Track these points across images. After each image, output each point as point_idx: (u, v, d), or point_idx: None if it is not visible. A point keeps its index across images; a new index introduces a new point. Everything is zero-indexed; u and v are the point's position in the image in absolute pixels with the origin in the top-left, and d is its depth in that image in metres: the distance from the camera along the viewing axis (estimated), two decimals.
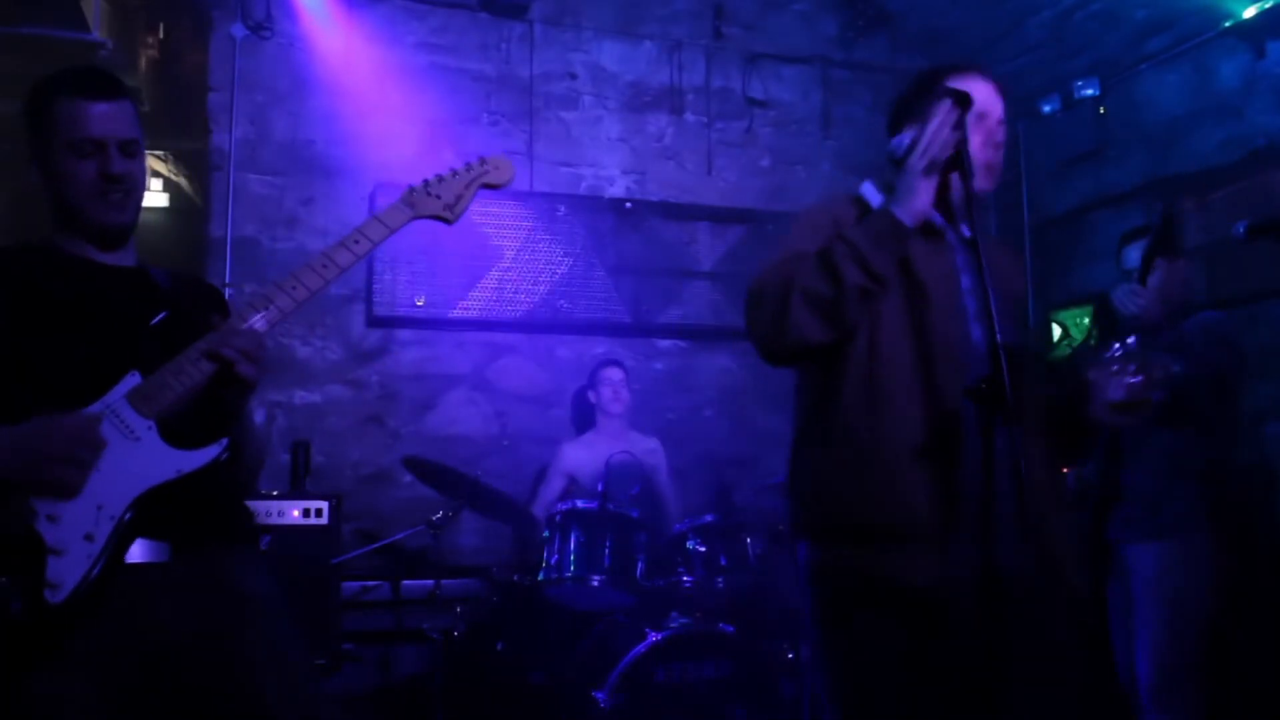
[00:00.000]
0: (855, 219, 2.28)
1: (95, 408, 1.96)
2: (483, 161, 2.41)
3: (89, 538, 1.87)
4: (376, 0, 5.59)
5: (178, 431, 2.01)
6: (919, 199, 2.16)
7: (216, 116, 5.32)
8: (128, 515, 1.92)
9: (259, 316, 2.15)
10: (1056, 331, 6.26)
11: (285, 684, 2.07)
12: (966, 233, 2.32)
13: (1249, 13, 5.17)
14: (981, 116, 2.30)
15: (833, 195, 2.57)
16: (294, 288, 2.26)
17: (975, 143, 2.28)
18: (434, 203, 2.29)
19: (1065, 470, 3.94)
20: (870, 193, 2.38)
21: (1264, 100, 5.20)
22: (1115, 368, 2.19)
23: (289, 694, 2.07)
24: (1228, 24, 5.30)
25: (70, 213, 2.15)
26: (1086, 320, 6.04)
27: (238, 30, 5.33)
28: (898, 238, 2.16)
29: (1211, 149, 5.47)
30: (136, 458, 1.95)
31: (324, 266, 2.28)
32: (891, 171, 2.29)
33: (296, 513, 4.38)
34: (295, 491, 4.61)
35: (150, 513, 1.95)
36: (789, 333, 2.13)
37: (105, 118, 2.12)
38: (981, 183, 2.29)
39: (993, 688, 1.99)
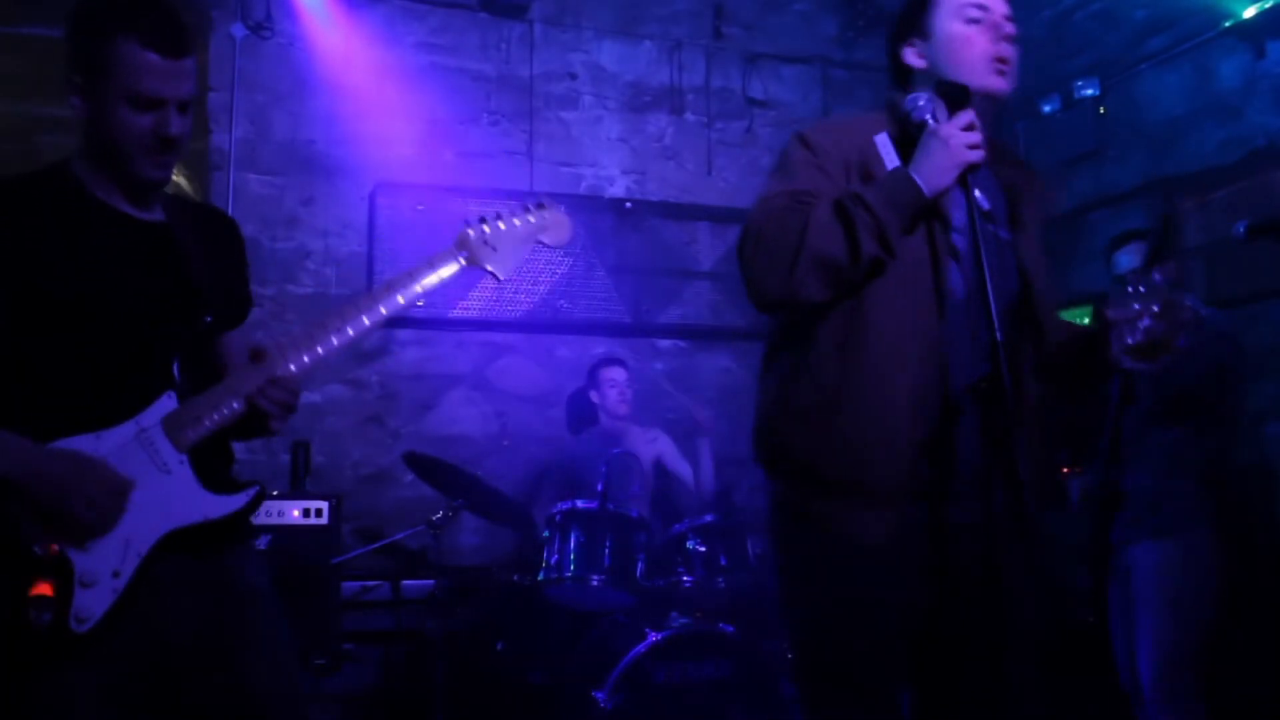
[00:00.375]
0: (878, 130, 2.20)
1: (128, 429, 1.94)
2: (541, 209, 2.29)
3: (116, 574, 1.87)
4: (376, 0, 5.59)
5: (202, 460, 2.00)
6: (942, 178, 2.04)
7: (216, 116, 5.32)
8: (153, 552, 1.92)
9: (301, 358, 2.09)
10: None
11: (277, 676, 2.09)
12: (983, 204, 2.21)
13: (1249, 12, 5.17)
14: (983, 10, 2.19)
15: (844, 116, 2.47)
16: (339, 329, 2.12)
17: (984, 40, 2.18)
18: (489, 253, 2.20)
19: (1066, 471, 3.95)
20: (886, 148, 2.19)
21: (1264, 100, 5.19)
22: (1137, 306, 2.02)
23: (280, 688, 2.09)
24: (1228, 24, 5.29)
25: (112, 160, 2.02)
26: (1086, 320, 6.04)
27: (238, 30, 5.33)
28: (918, 209, 2.06)
29: (1211, 149, 5.47)
30: (167, 494, 1.94)
31: (369, 308, 2.13)
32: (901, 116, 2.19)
33: (296, 513, 4.38)
34: (295, 491, 4.61)
35: (173, 543, 1.95)
36: (793, 291, 2.03)
37: (171, 75, 1.98)
38: (998, 83, 2.18)
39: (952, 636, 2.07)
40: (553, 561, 4.26)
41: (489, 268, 2.21)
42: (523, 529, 4.85)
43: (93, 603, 1.84)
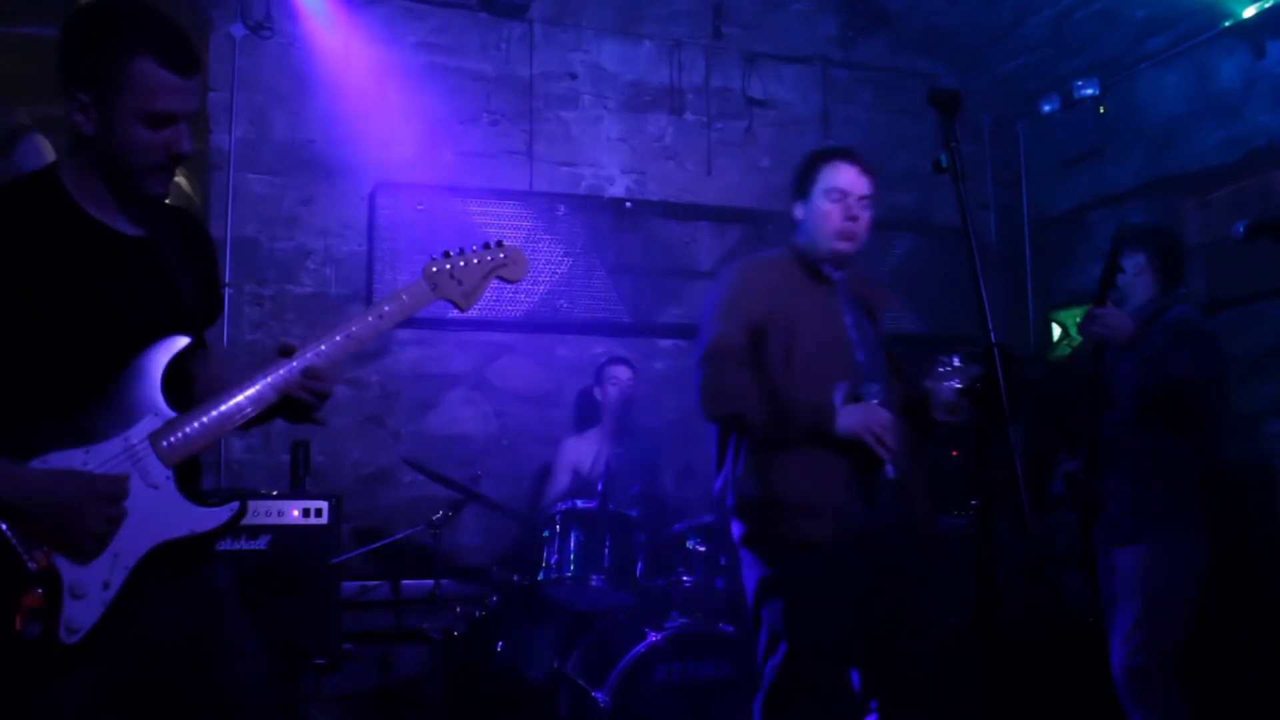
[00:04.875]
0: (783, 274, 3.07)
1: (116, 444, 1.95)
2: (500, 246, 2.38)
3: (105, 585, 1.89)
4: (376, 0, 5.59)
5: (184, 475, 2.03)
6: (850, 430, 2.82)
7: (216, 116, 5.32)
8: (140, 565, 1.94)
9: (321, 347, 2.16)
10: (1056, 331, 6.26)
11: (252, 674, 2.15)
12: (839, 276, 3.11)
13: (1249, 12, 5.17)
14: (844, 194, 3.04)
15: (757, 258, 3.23)
16: (347, 332, 2.19)
17: (836, 214, 3.02)
18: (455, 287, 2.29)
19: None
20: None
21: (1264, 100, 5.20)
22: (943, 379, 2.87)
23: (255, 684, 2.15)
24: (1227, 23, 5.30)
25: (118, 176, 2.01)
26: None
27: (237, 30, 5.34)
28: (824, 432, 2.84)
29: (1211, 148, 5.47)
30: (154, 508, 1.96)
31: (345, 337, 2.18)
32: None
33: (296, 512, 4.38)
34: (295, 491, 4.61)
35: (159, 557, 1.97)
36: (723, 425, 3.06)
37: (185, 92, 2.00)
38: (841, 245, 3.04)
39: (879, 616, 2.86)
40: (553, 561, 4.27)
41: (456, 300, 2.29)
42: (524, 529, 4.86)
43: (83, 614, 1.86)
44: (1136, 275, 3.78)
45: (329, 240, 5.44)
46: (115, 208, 2.07)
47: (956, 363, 2.85)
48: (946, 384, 2.87)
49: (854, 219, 3.04)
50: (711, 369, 2.97)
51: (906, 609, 2.90)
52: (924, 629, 2.92)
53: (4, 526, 1.82)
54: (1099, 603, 3.75)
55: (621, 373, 5.17)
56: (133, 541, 1.93)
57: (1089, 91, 5.94)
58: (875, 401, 2.86)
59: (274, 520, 4.32)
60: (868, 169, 3.11)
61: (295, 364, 2.10)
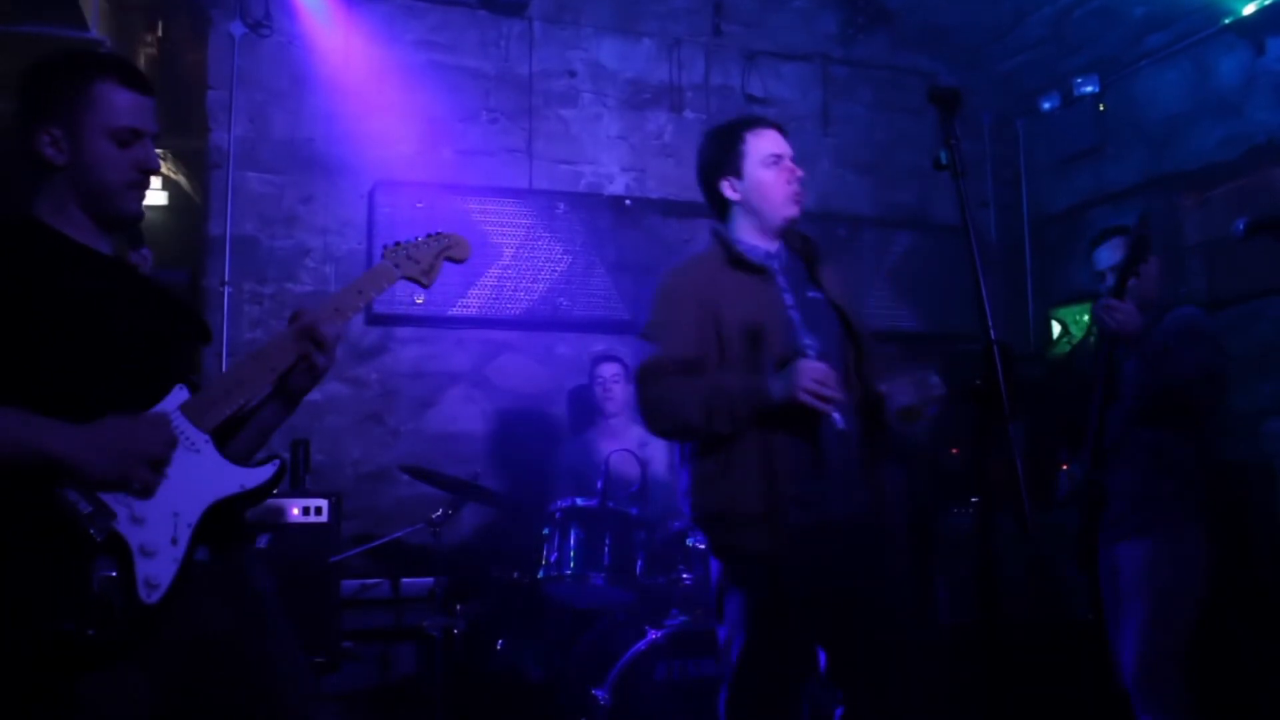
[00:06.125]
0: (717, 265, 2.95)
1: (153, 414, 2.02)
2: (444, 234, 2.56)
3: (174, 542, 1.95)
4: None
5: (219, 441, 2.11)
6: (789, 397, 2.70)
7: (215, 114, 5.32)
8: (200, 523, 2.00)
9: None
10: (1056, 329, 6.26)
11: (298, 677, 2.21)
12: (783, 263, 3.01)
13: (1249, 9, 5.17)
14: (779, 158, 2.97)
15: (684, 264, 3.13)
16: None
17: (781, 180, 2.95)
18: (413, 266, 2.47)
19: (1065, 467, 3.95)
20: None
21: (1264, 97, 5.20)
22: (899, 389, 2.88)
23: (301, 687, 2.21)
24: (1227, 21, 5.30)
25: (96, 200, 2.11)
26: (1086, 317, 6.04)
27: (236, 28, 5.33)
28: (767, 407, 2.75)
29: (1211, 146, 5.47)
30: (201, 470, 2.04)
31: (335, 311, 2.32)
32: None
33: (296, 511, 4.38)
34: (295, 490, 4.60)
35: (211, 521, 2.03)
36: (674, 439, 3.05)
37: (146, 111, 2.15)
38: (793, 210, 2.97)
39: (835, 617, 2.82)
40: (553, 559, 4.27)
41: (417, 277, 2.48)
42: (522, 525, 4.85)
43: (159, 570, 1.91)
44: (1150, 277, 3.76)
45: (328, 238, 5.43)
46: (95, 232, 2.15)
47: (927, 377, 2.83)
48: (900, 394, 2.85)
49: (798, 178, 2.98)
50: (646, 387, 2.91)
51: (870, 602, 2.86)
52: (889, 622, 2.89)
53: (69, 495, 1.85)
54: (1099, 601, 3.76)
55: (607, 370, 5.16)
56: (189, 500, 2.00)
57: (1089, 89, 5.95)
58: (811, 355, 2.76)
59: (274, 519, 4.32)
60: (782, 128, 3.05)
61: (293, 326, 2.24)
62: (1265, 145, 5.16)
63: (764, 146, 2.97)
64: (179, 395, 2.07)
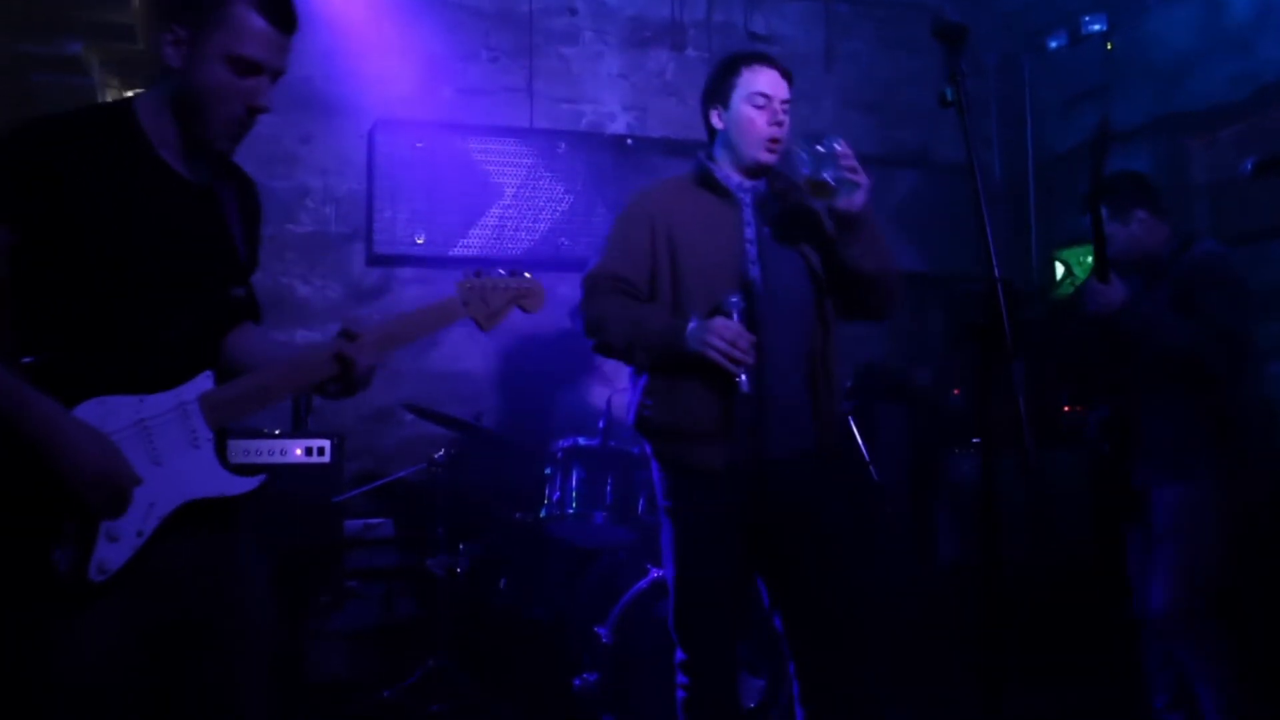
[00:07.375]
0: (677, 194, 2.98)
1: (169, 399, 2.00)
2: (523, 280, 2.47)
3: (139, 533, 1.94)
4: None
5: (219, 441, 2.09)
6: (699, 350, 2.73)
7: None
8: (170, 517, 1.99)
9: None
10: (1060, 270, 6.22)
11: (251, 593, 2.19)
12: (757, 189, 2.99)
13: None
14: (767, 98, 2.90)
15: (655, 183, 3.14)
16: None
17: (760, 121, 2.89)
18: (481, 308, 2.38)
19: (1069, 410, 3.95)
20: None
21: (1275, 35, 5.12)
22: (787, 161, 2.88)
23: (254, 597, 2.20)
24: None
25: (192, 118, 2.05)
26: (1090, 259, 6.00)
27: None
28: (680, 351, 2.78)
29: (1221, 85, 5.40)
30: (191, 466, 2.02)
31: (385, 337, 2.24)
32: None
33: (298, 451, 4.39)
34: (297, 430, 4.61)
35: (186, 511, 2.02)
36: (605, 356, 3.06)
37: (276, 46, 2.08)
38: (766, 156, 2.92)
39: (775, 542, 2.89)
40: (555, 498, 4.29)
41: (480, 320, 2.38)
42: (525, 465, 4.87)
43: (114, 556, 1.91)
44: (1148, 231, 3.71)
45: (328, 179, 5.39)
46: (182, 151, 2.09)
47: (816, 140, 2.76)
48: (795, 170, 2.83)
49: (779, 124, 2.92)
50: (588, 299, 3.00)
51: (807, 541, 2.88)
52: (832, 558, 2.89)
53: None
54: (1124, 546, 3.76)
55: None
56: (169, 493, 1.98)
57: (1097, 27, 5.85)
58: (735, 315, 2.75)
59: (276, 459, 4.34)
60: (786, 73, 2.98)
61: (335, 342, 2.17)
62: (1275, 84, 5.10)
63: (756, 83, 2.93)
64: (203, 383, 2.04)
